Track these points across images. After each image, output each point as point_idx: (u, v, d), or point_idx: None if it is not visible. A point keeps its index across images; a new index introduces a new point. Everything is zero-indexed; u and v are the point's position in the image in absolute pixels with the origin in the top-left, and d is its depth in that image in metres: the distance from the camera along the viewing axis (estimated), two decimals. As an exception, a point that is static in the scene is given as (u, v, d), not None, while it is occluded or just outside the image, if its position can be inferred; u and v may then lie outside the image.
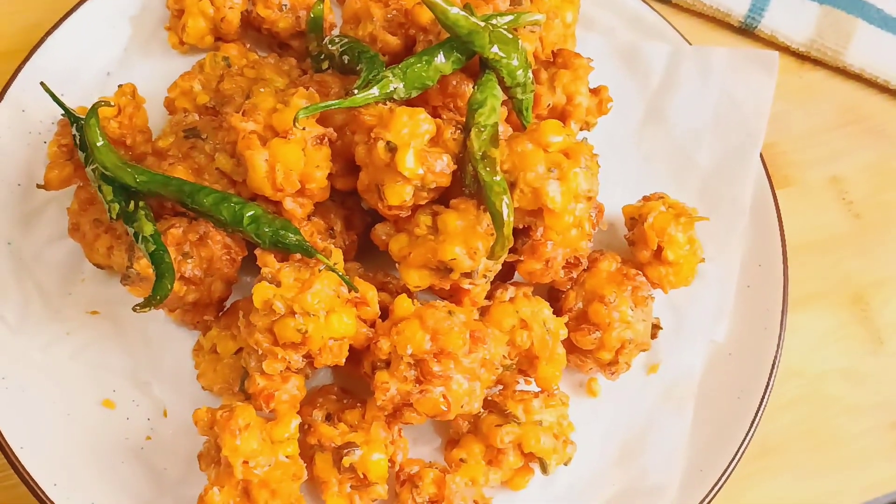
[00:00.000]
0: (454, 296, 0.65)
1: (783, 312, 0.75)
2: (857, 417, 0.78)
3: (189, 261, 0.65)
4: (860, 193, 0.88)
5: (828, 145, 0.88)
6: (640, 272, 0.73)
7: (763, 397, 0.72)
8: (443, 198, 0.64)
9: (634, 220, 0.76)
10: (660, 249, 0.74)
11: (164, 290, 0.62)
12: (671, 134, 0.85)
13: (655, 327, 0.73)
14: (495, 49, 0.64)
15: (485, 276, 0.64)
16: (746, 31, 0.94)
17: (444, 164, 0.61)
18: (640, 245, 0.75)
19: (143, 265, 0.64)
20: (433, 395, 0.59)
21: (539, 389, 0.69)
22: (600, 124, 0.78)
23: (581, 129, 0.76)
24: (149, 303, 0.62)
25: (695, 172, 0.83)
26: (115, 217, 0.65)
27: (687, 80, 0.86)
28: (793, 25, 0.94)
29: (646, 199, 0.77)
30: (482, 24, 0.64)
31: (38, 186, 0.71)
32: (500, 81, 0.66)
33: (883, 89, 0.94)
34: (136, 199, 0.66)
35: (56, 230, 0.76)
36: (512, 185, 0.61)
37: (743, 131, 0.83)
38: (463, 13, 0.63)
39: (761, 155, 0.82)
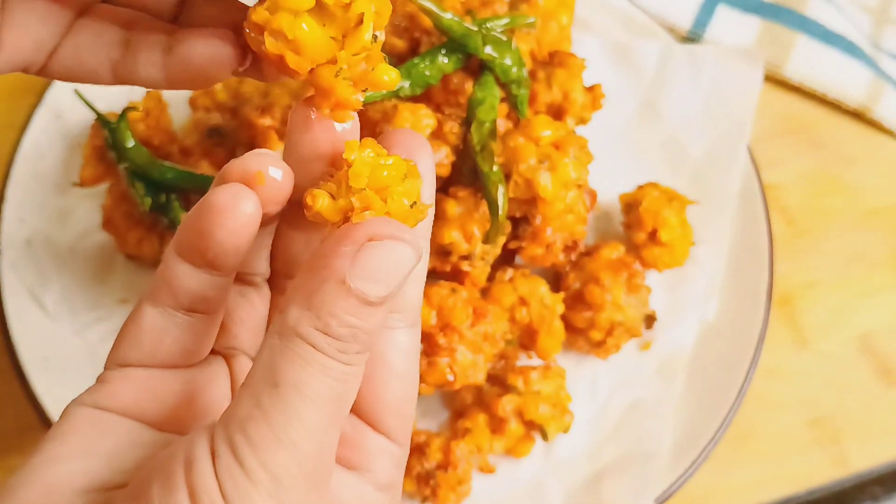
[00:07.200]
0: (457, 278, 0.70)
1: (769, 291, 0.78)
2: (778, 413, 0.80)
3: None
4: (794, 200, 0.89)
5: (765, 154, 0.89)
6: (637, 261, 0.76)
7: (748, 370, 0.75)
8: (446, 187, 0.68)
9: (630, 205, 0.80)
10: (654, 232, 0.77)
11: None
12: (664, 126, 0.88)
13: (651, 318, 0.76)
14: (488, 49, 0.69)
15: (483, 259, 0.68)
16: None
17: (442, 156, 0.65)
18: (635, 228, 0.78)
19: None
20: (440, 366, 0.64)
21: (537, 364, 0.73)
22: (597, 119, 0.81)
23: (577, 124, 0.79)
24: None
25: (686, 162, 0.86)
26: (149, 209, 0.71)
27: (678, 75, 0.89)
28: (734, 39, 0.95)
29: (640, 187, 0.80)
30: (474, 27, 0.69)
31: (74, 184, 0.77)
32: (496, 79, 0.70)
33: (821, 101, 0.94)
34: (168, 193, 0.71)
35: (89, 225, 0.81)
36: (507, 178, 0.65)
37: (731, 122, 0.86)
38: (456, 18, 0.67)
39: (748, 146, 0.84)
